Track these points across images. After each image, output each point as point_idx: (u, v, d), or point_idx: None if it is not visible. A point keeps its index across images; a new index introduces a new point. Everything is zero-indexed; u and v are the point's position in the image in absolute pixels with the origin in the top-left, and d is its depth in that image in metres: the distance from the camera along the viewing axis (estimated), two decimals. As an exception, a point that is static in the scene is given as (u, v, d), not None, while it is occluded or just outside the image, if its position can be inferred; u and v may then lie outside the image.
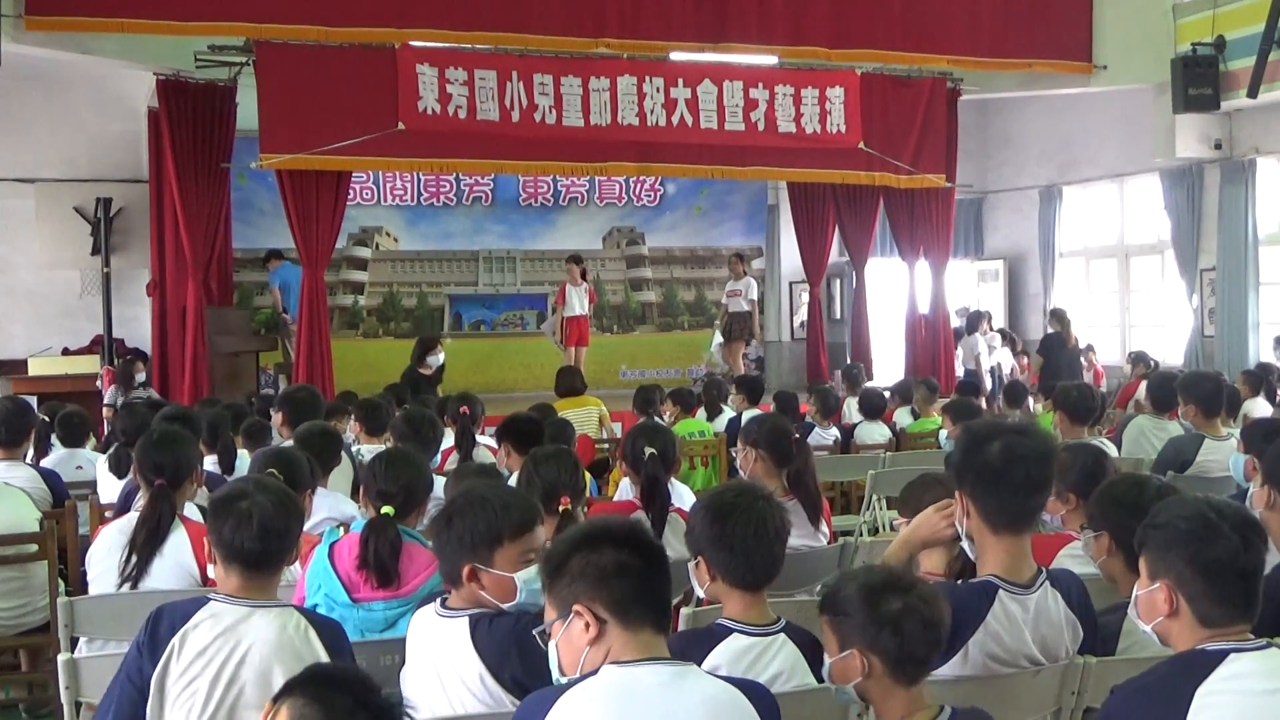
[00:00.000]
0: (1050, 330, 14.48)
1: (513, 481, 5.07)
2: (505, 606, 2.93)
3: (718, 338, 15.58)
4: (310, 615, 3.18)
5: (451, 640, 2.91)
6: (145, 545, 4.26)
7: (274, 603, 3.14)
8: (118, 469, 5.94)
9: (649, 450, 4.74)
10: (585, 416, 9.33)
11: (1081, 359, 14.51)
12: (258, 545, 3.11)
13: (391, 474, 3.96)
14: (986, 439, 3.09)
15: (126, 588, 4.22)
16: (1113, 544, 3.37)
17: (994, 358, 15.07)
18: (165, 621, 3.04)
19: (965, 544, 3.17)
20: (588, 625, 2.43)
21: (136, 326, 14.02)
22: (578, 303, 13.76)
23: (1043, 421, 9.22)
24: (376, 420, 6.94)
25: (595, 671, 2.41)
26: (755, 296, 14.79)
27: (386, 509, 3.80)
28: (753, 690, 2.52)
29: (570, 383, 10.05)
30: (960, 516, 3.15)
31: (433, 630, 2.98)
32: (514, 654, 2.83)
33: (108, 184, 13.90)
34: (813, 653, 2.98)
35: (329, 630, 3.13)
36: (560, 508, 4.01)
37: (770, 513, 3.06)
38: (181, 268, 12.44)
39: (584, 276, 14.13)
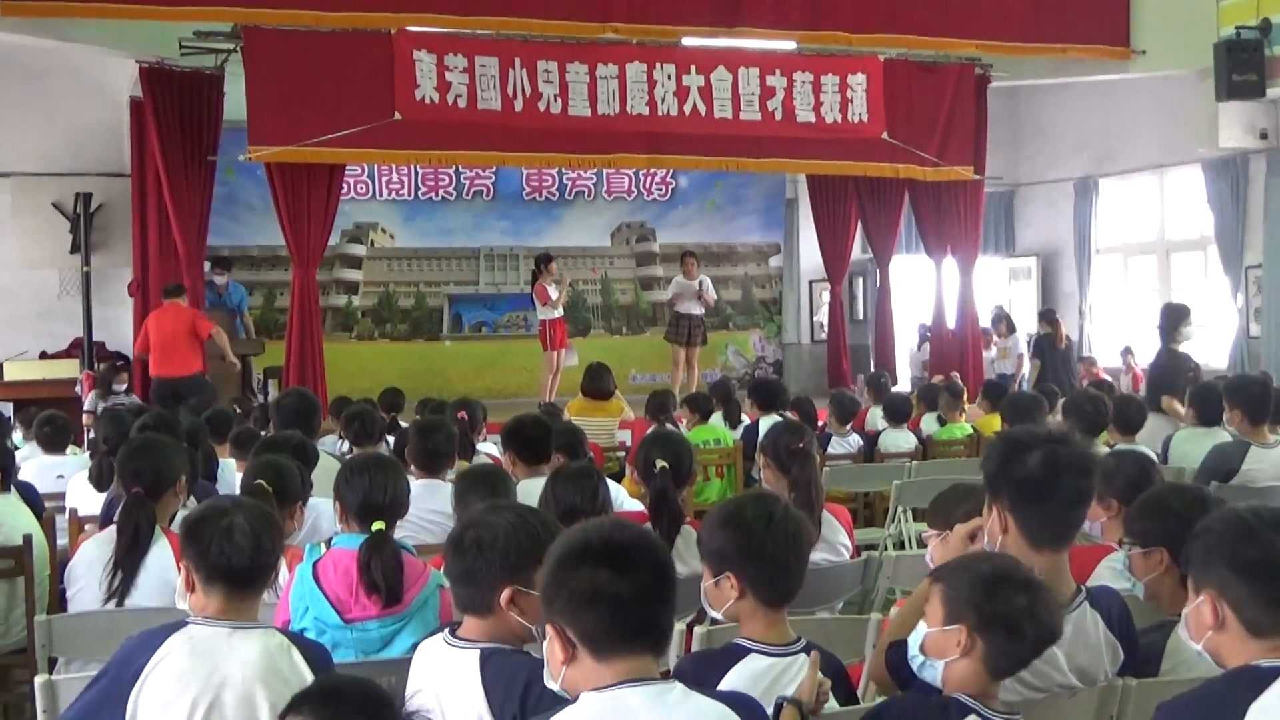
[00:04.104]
0: (1041, 332, 14.56)
1: (519, 490, 5.10)
2: (536, 630, 2.91)
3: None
4: (294, 636, 3.20)
5: (459, 672, 2.89)
6: (127, 559, 4.27)
7: (255, 624, 3.15)
8: (99, 481, 5.94)
9: (660, 463, 4.73)
10: (600, 426, 9.26)
11: (1077, 360, 14.78)
12: (245, 561, 3.12)
13: (379, 484, 3.95)
14: (1025, 448, 3.07)
15: (113, 604, 4.22)
16: (1171, 561, 3.33)
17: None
18: (136, 650, 3.04)
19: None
20: (561, 646, 2.43)
21: (118, 328, 14.02)
22: (560, 302, 13.64)
23: (984, 425, 9.29)
24: (366, 428, 6.94)
25: (575, 699, 2.40)
26: (715, 296, 14.59)
27: (379, 524, 3.79)
28: (741, 703, 2.51)
29: (601, 384, 9.97)
30: (995, 533, 3.13)
31: (440, 660, 2.96)
32: (520, 695, 2.80)
33: (87, 178, 13.94)
34: (834, 674, 2.98)
35: (314, 651, 3.14)
36: None
37: (801, 523, 3.09)
38: (166, 266, 12.45)
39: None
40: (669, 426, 8.26)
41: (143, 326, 11.72)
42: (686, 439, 5.73)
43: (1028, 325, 15.82)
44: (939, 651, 2.68)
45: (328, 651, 3.26)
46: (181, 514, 4.55)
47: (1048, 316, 14.77)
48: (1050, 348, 14.25)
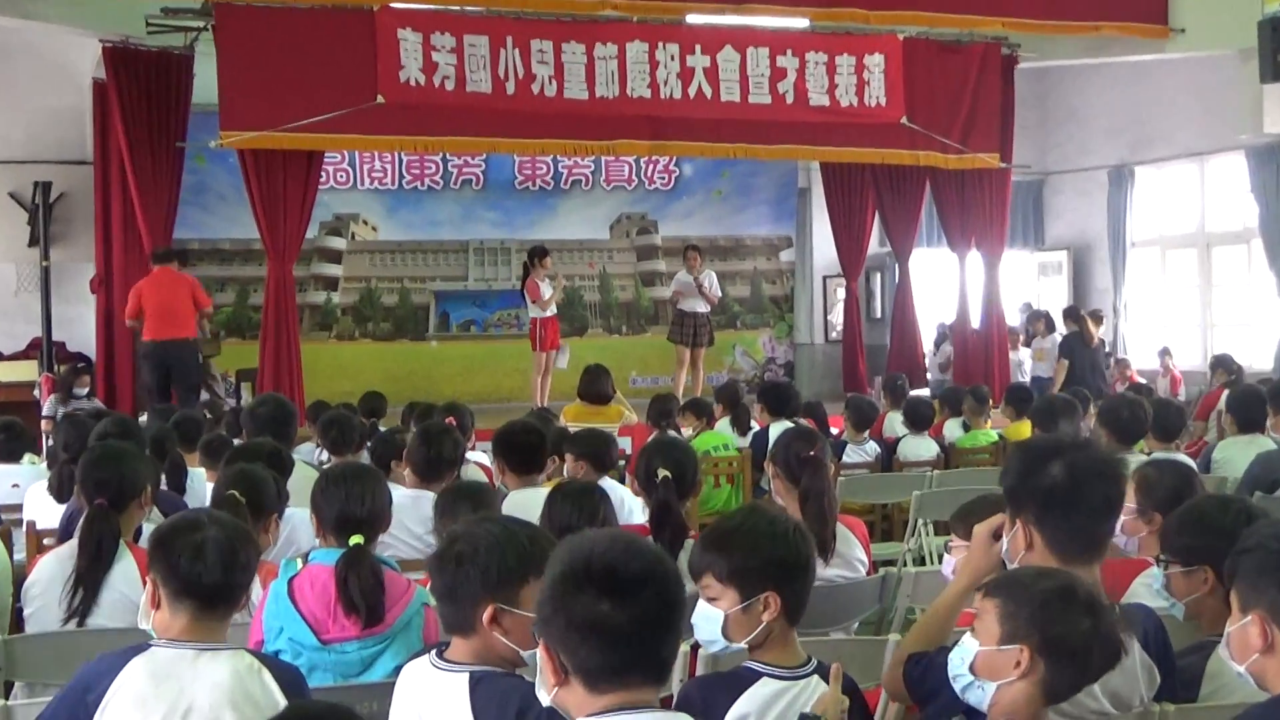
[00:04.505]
0: (1067, 331, 14.53)
1: (508, 501, 5.10)
2: (524, 654, 2.91)
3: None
4: (265, 658, 3.21)
5: (447, 697, 2.89)
6: (88, 575, 4.26)
7: (224, 645, 3.16)
8: (59, 492, 5.95)
9: (662, 472, 4.73)
10: None
11: (1107, 360, 14.76)
12: (217, 578, 3.12)
13: (355, 495, 3.96)
14: (1046, 457, 3.10)
15: (73, 624, 4.22)
16: (1217, 581, 3.31)
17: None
18: (95, 676, 3.04)
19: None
20: (553, 671, 2.41)
21: (79, 327, 14.04)
22: (553, 300, 13.41)
23: (1011, 432, 9.29)
24: (345, 435, 6.94)
25: None
26: (719, 292, 14.38)
27: (356, 538, 3.79)
28: None
29: (599, 387, 9.96)
30: (1019, 549, 3.13)
31: (426, 684, 2.96)
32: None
33: (47, 166, 13.95)
34: (850, 698, 2.98)
35: (287, 674, 3.15)
36: None
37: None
38: (131, 261, 12.46)
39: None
40: (672, 433, 8.28)
41: (133, 293, 11.69)
42: (690, 447, 5.74)
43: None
44: (992, 673, 2.65)
45: (301, 674, 3.27)
46: (147, 527, 4.56)
47: (1073, 314, 14.69)
48: (1082, 346, 14.18)
